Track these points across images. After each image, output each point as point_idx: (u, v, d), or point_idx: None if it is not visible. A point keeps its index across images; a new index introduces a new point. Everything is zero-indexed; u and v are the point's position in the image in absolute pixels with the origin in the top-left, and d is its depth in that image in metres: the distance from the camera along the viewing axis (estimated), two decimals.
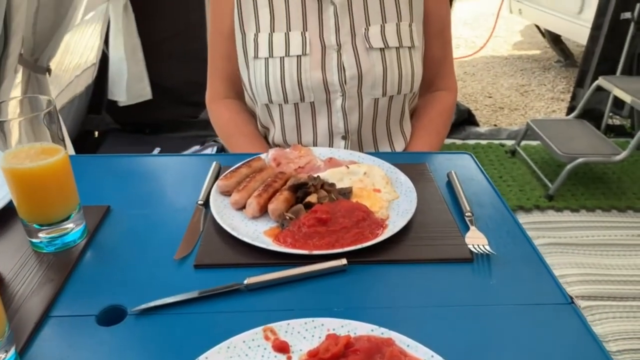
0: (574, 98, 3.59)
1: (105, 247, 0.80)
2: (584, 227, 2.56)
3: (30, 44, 1.74)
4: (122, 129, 3.45)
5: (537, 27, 5.40)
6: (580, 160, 2.68)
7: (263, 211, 0.84)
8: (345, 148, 1.20)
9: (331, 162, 1.00)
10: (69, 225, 0.79)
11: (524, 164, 3.11)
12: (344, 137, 1.20)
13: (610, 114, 3.47)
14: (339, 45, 1.14)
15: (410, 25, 1.17)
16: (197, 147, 3.10)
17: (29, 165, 0.72)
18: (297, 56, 1.13)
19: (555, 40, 5.11)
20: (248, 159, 0.97)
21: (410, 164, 1.01)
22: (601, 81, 3.03)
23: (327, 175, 0.93)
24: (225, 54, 1.22)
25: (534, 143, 3.30)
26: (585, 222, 2.60)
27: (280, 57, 1.13)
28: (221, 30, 1.20)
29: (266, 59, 1.14)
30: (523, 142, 3.24)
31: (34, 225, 0.76)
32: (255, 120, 1.29)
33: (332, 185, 0.89)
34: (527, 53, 5.74)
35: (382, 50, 1.14)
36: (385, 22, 1.15)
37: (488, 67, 5.25)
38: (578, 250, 2.39)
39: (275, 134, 1.22)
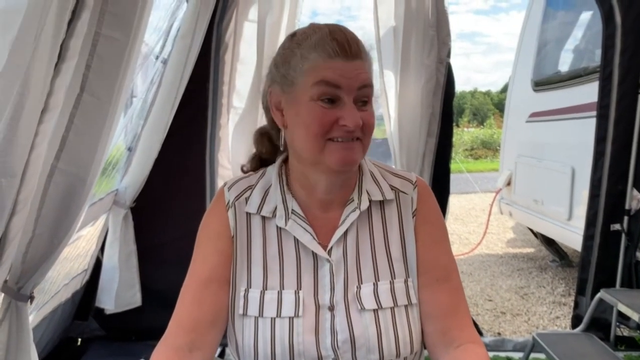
0: (577, 306, 3.49)
1: None
2: None
3: (17, 272, 1.70)
4: (108, 335, 3.28)
5: (529, 227, 5.53)
6: None
7: None
8: None
9: None
10: None
11: None
12: None
13: (618, 324, 3.34)
14: (333, 306, 1.07)
15: (405, 282, 1.10)
16: None
17: None
18: (290, 318, 1.05)
19: (547, 241, 5.18)
20: None
21: None
22: (603, 294, 2.96)
23: None
24: (195, 298, 1.10)
25: (543, 357, 3.10)
26: None
27: (272, 318, 1.05)
28: (199, 275, 1.11)
29: (256, 318, 1.06)
30: (531, 355, 3.04)
31: None
32: None
33: None
34: (521, 251, 5.80)
35: (375, 311, 1.06)
36: (379, 281, 1.09)
37: (484, 266, 5.25)
38: None
39: None
